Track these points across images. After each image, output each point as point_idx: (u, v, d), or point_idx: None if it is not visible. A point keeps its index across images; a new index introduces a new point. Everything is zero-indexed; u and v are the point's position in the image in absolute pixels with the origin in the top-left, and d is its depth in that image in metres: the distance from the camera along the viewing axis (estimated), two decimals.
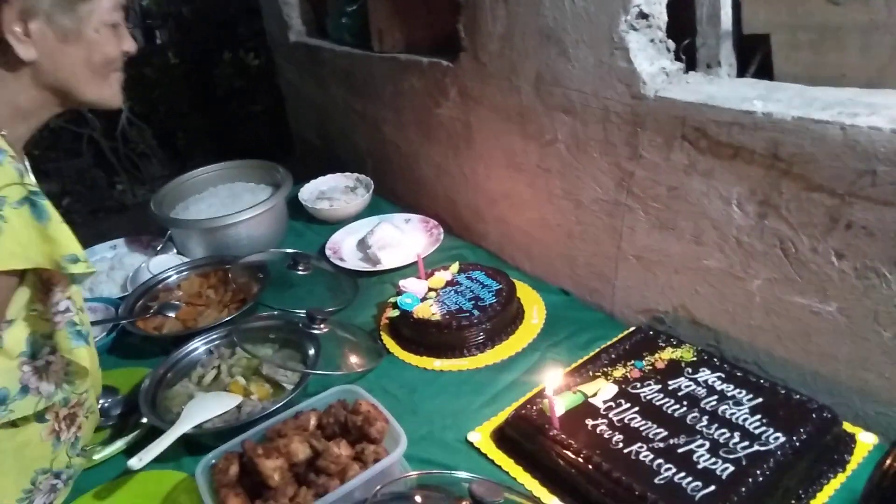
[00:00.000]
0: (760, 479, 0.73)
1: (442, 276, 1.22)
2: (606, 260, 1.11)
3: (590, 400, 0.90)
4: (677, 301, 1.02)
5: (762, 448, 0.77)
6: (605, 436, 0.83)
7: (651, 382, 0.92)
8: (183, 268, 1.40)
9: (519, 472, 0.86)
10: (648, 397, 0.89)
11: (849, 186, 0.74)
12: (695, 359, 0.95)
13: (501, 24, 1.14)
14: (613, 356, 0.98)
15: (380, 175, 1.74)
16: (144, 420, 0.99)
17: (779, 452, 0.76)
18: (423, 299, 1.17)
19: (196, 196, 1.64)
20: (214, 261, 1.41)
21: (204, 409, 0.97)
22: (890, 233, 0.73)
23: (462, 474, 0.76)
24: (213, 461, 0.85)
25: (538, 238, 1.26)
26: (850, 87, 0.80)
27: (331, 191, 1.73)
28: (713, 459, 0.77)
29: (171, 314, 1.26)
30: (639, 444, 0.81)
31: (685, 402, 0.87)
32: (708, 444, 0.79)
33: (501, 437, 0.92)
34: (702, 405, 0.86)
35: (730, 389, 0.88)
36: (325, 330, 1.11)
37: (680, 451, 0.79)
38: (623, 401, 0.89)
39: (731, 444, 0.78)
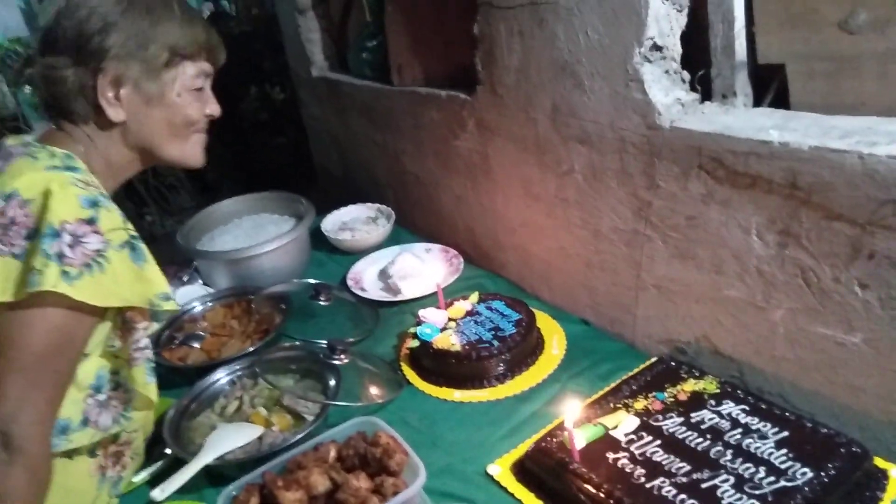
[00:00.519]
0: None
1: (461, 306, 1.22)
2: (626, 289, 1.11)
3: (611, 432, 0.89)
4: (699, 331, 1.01)
5: (789, 484, 0.75)
6: (627, 470, 0.82)
7: (673, 415, 0.90)
8: (208, 298, 1.43)
9: None
10: (671, 430, 0.88)
11: (870, 216, 0.73)
12: (718, 391, 0.93)
13: (517, 57, 1.16)
14: (635, 387, 0.97)
15: (400, 205, 1.76)
16: (168, 451, 1.00)
17: (807, 489, 0.74)
18: (443, 329, 1.17)
19: (222, 227, 1.68)
20: (238, 291, 1.44)
21: (226, 441, 0.98)
22: None
23: None
24: (234, 493, 0.86)
25: (557, 267, 1.26)
26: (869, 116, 0.80)
27: (353, 221, 1.75)
28: (738, 495, 0.75)
29: (196, 345, 1.28)
30: (661, 479, 0.79)
31: (708, 436, 0.85)
32: (732, 480, 0.77)
33: (522, 470, 0.91)
34: (726, 438, 0.84)
35: (754, 422, 0.86)
36: (346, 360, 1.12)
37: (703, 486, 0.77)
38: (645, 433, 0.88)
39: (756, 480, 0.76)
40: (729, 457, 0.81)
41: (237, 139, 3.03)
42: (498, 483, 0.90)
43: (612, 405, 0.94)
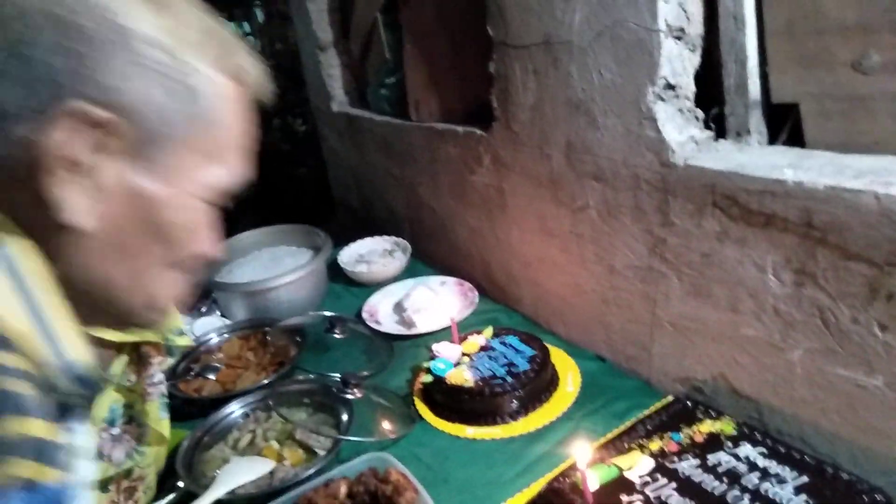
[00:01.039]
0: None
1: (475, 341, 1.22)
2: (642, 326, 1.10)
3: (625, 474, 0.87)
4: (716, 370, 0.99)
5: None
6: None
7: (689, 457, 0.88)
8: (225, 330, 1.45)
9: None
10: (686, 473, 0.86)
11: (887, 256, 0.72)
12: (735, 432, 0.91)
13: (532, 94, 1.18)
14: (650, 428, 0.95)
15: (416, 238, 1.77)
16: (181, 483, 1.01)
17: None
18: (457, 364, 1.17)
19: (241, 259, 1.71)
20: (254, 323, 1.45)
21: (237, 475, 0.98)
22: None
23: None
24: None
25: (572, 303, 1.25)
26: (884, 155, 0.79)
27: (369, 254, 1.77)
28: None
29: (212, 376, 1.29)
30: None
31: (725, 479, 0.83)
32: None
33: None
34: (743, 483, 0.82)
35: (773, 466, 0.84)
36: (359, 395, 1.12)
37: None
38: (660, 475, 0.86)
39: None
40: (746, 502, 0.79)
41: (260, 170, 3.08)
42: None
43: (626, 445, 0.92)
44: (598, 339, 1.21)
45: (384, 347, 1.34)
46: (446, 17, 1.47)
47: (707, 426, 0.93)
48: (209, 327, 1.46)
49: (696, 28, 0.94)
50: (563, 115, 1.12)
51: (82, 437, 0.47)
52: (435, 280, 1.57)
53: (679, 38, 0.93)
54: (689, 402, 0.99)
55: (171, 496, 1.01)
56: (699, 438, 0.91)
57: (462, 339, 1.23)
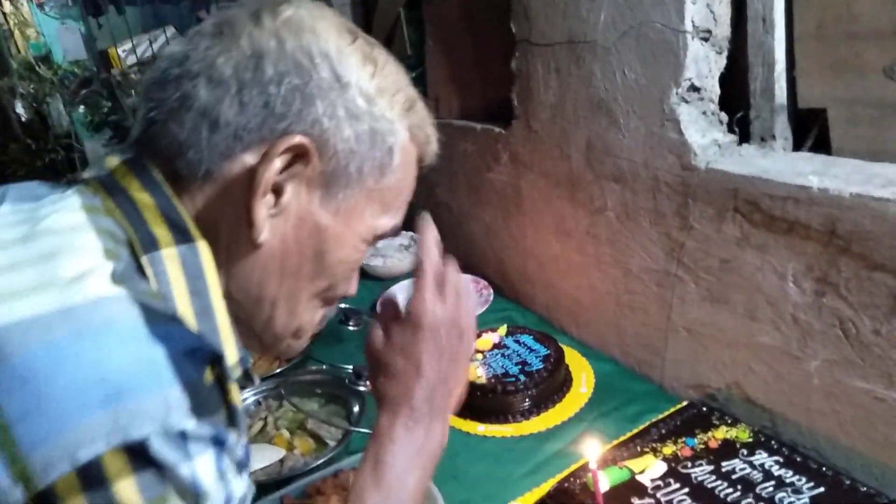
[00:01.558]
0: None
1: (489, 338, 1.22)
2: (656, 331, 1.09)
3: (637, 477, 0.86)
4: (730, 378, 0.98)
5: None
6: None
7: (703, 462, 0.87)
8: None
9: None
10: (700, 478, 0.85)
11: None
12: (751, 440, 0.90)
13: (553, 93, 1.17)
14: (664, 431, 0.95)
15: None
16: None
17: None
18: (470, 361, 1.16)
19: None
20: None
21: None
22: None
23: None
24: None
25: (586, 305, 1.25)
26: None
27: (385, 248, 1.77)
28: None
29: None
30: None
31: (739, 487, 0.82)
32: None
33: None
34: (757, 491, 0.81)
35: (788, 475, 0.83)
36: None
37: None
38: (672, 480, 0.85)
39: None
40: None
41: None
42: None
43: (639, 448, 0.92)
44: (611, 342, 1.20)
45: None
46: (470, 13, 1.47)
47: (722, 432, 0.92)
48: None
49: (723, 30, 0.93)
50: (584, 115, 1.11)
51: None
52: None
53: (706, 40, 0.92)
54: (704, 408, 0.98)
55: None
56: (714, 444, 0.90)
57: (476, 336, 1.22)
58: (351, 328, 1.31)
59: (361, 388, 1.12)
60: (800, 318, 0.85)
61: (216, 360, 0.42)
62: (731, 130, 0.97)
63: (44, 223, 0.44)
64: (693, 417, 0.97)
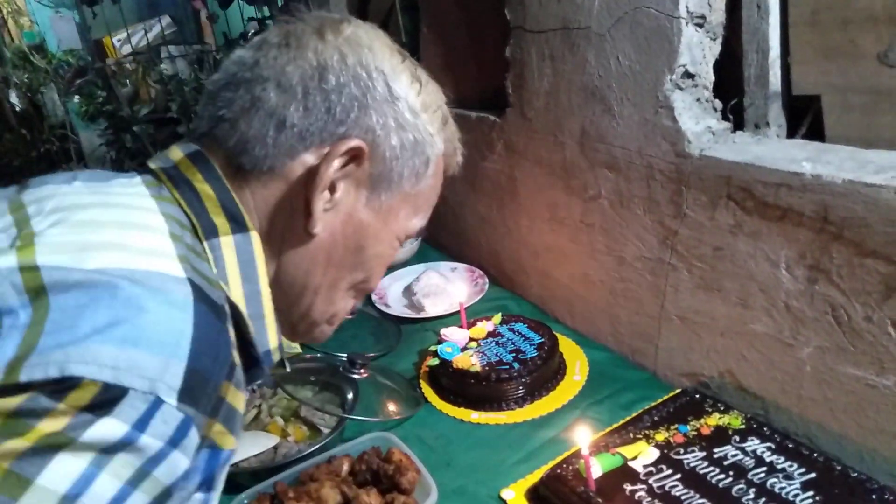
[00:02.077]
0: None
1: (484, 327, 1.22)
2: (649, 319, 1.09)
3: (629, 463, 0.87)
4: (723, 366, 0.98)
5: None
6: (644, 503, 0.80)
7: (695, 449, 0.88)
8: None
9: None
10: (692, 465, 0.85)
11: None
12: (743, 426, 0.90)
13: (548, 81, 1.16)
14: (657, 418, 0.95)
15: (427, 224, 1.76)
16: None
17: None
18: (464, 349, 1.17)
19: None
20: None
21: (241, 448, 0.99)
22: None
23: None
24: (246, 501, 0.86)
25: (580, 294, 1.25)
26: None
27: None
28: None
29: None
30: None
31: (731, 473, 0.83)
32: None
33: (536, 497, 0.90)
34: (749, 477, 0.81)
35: (780, 461, 0.83)
36: (365, 375, 1.13)
37: None
38: (664, 466, 0.86)
39: None
40: (752, 496, 0.78)
41: None
42: None
43: (632, 435, 0.92)
44: (605, 331, 1.21)
45: (392, 330, 1.34)
46: (465, 1, 1.46)
47: (715, 419, 0.92)
48: None
49: (717, 16, 0.92)
50: (578, 103, 1.11)
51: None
52: (446, 265, 1.57)
53: (700, 26, 0.92)
54: (697, 395, 0.98)
55: None
56: (706, 431, 0.90)
57: (470, 325, 1.23)
58: (346, 317, 1.31)
59: (355, 376, 1.12)
60: (792, 305, 0.85)
61: (231, 370, 0.45)
62: (725, 117, 0.97)
63: (117, 199, 0.49)
64: (686, 405, 0.97)
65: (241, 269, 0.51)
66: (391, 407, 1.11)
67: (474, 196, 1.53)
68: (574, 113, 1.12)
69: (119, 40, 3.60)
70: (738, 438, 0.88)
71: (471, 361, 1.12)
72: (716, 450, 0.87)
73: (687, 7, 0.90)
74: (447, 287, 1.43)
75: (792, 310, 0.85)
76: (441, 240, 1.74)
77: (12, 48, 3.87)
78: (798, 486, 0.79)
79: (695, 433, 0.91)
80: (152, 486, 0.39)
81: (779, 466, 0.82)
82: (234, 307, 0.50)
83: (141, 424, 0.38)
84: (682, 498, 0.80)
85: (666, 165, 0.97)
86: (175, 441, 0.40)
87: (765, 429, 0.89)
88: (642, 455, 0.88)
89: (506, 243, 1.46)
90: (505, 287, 1.49)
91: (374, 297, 1.48)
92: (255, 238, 0.53)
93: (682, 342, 1.04)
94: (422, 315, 1.39)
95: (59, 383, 0.36)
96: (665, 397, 1.01)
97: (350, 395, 1.10)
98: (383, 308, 1.43)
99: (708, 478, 0.82)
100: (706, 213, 0.93)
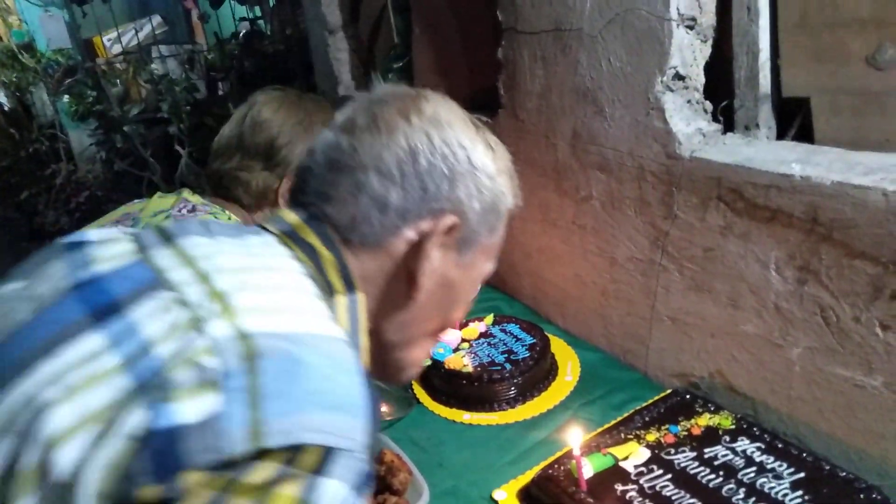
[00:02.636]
0: None
1: (476, 328, 1.22)
2: (640, 320, 1.09)
3: (620, 463, 0.87)
4: (713, 366, 0.99)
5: None
6: (635, 503, 0.80)
7: (686, 449, 0.88)
8: None
9: None
10: (682, 465, 0.86)
11: (893, 255, 0.72)
12: (733, 427, 0.91)
13: (539, 82, 1.17)
14: (647, 419, 0.95)
15: None
16: None
17: None
18: (456, 350, 1.17)
19: None
20: None
21: None
22: None
23: None
24: None
25: (572, 295, 1.25)
26: (894, 153, 0.78)
27: None
28: None
29: None
30: None
31: (721, 473, 0.83)
32: None
33: (527, 497, 0.90)
34: (739, 476, 0.82)
35: (770, 461, 0.84)
36: None
37: None
38: (655, 466, 0.86)
39: None
40: (742, 496, 0.79)
41: None
42: None
43: (623, 436, 0.92)
44: (597, 332, 1.21)
45: None
46: (457, 1, 1.46)
47: (705, 420, 0.93)
48: None
49: (708, 18, 0.93)
50: (569, 104, 1.11)
51: None
52: None
53: (691, 28, 0.92)
54: (687, 396, 0.99)
55: None
56: (697, 431, 0.91)
57: (462, 326, 1.23)
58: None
59: None
60: (782, 306, 0.85)
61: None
62: (715, 119, 0.97)
63: (270, 261, 0.56)
64: (676, 405, 0.97)
65: (349, 323, 0.58)
66: (383, 408, 1.11)
67: None
68: (566, 114, 1.12)
69: (109, 40, 3.58)
70: (728, 438, 0.89)
71: (463, 362, 1.12)
72: (706, 450, 0.87)
73: (678, 9, 0.90)
74: None
75: (781, 311, 0.86)
76: None
77: (0, 47, 3.83)
78: (787, 485, 0.79)
79: (685, 433, 0.91)
80: None
81: (768, 466, 0.83)
82: None
83: (354, 479, 0.45)
84: (673, 498, 0.80)
85: (657, 167, 0.97)
86: (360, 488, 0.46)
87: (755, 429, 0.89)
88: (633, 455, 0.88)
89: None
90: (497, 288, 1.49)
91: None
92: (360, 298, 0.60)
93: (672, 343, 1.05)
94: None
95: (291, 450, 0.42)
96: (656, 398, 1.01)
97: None
98: None
99: (698, 478, 0.83)
100: (697, 214, 0.93)
